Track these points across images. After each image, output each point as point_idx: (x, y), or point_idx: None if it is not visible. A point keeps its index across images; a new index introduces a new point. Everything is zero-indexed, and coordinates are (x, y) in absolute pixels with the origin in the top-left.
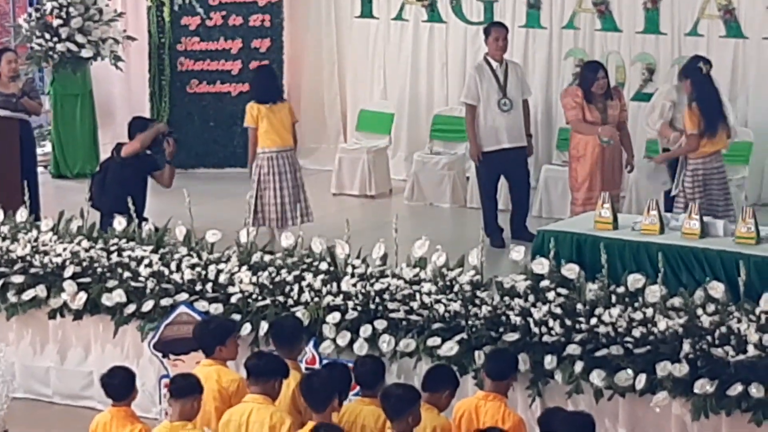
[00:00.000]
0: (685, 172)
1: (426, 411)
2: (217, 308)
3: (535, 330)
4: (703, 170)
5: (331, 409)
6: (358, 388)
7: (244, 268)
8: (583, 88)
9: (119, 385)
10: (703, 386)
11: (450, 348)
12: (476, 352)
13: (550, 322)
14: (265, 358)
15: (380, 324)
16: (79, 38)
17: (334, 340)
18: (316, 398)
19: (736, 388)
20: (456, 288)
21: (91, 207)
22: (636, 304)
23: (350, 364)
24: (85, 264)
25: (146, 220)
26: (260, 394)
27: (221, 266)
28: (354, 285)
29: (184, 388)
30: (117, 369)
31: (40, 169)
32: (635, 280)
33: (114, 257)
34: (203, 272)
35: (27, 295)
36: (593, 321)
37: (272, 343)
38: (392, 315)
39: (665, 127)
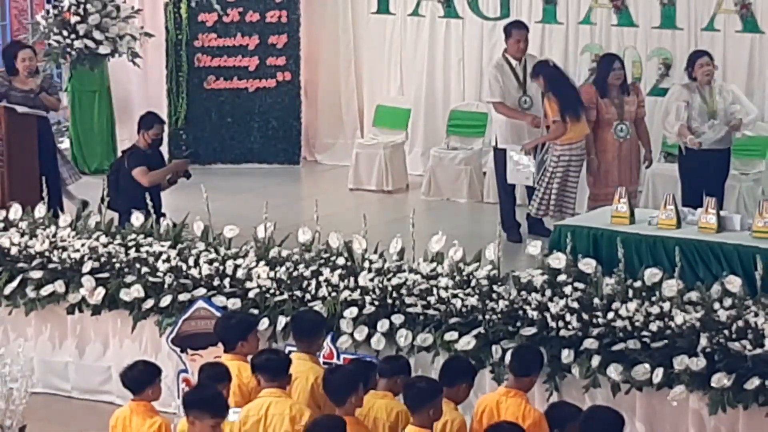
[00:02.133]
0: (550, 158)
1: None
2: (234, 303)
3: (552, 324)
4: (569, 156)
5: (352, 404)
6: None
7: (262, 263)
8: (598, 80)
9: (136, 377)
10: (720, 380)
11: (467, 342)
12: (493, 347)
13: (567, 317)
14: (274, 354)
15: (397, 319)
16: (97, 35)
17: (351, 334)
18: (335, 392)
19: (753, 382)
20: (473, 283)
21: (107, 209)
22: (653, 299)
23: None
24: (103, 259)
25: (164, 215)
26: (276, 388)
27: (239, 261)
28: (371, 280)
29: (214, 377)
30: (138, 362)
31: None
32: (652, 274)
33: (132, 252)
34: (221, 267)
35: (45, 291)
36: (610, 315)
37: (292, 337)
38: (409, 310)
39: (683, 128)
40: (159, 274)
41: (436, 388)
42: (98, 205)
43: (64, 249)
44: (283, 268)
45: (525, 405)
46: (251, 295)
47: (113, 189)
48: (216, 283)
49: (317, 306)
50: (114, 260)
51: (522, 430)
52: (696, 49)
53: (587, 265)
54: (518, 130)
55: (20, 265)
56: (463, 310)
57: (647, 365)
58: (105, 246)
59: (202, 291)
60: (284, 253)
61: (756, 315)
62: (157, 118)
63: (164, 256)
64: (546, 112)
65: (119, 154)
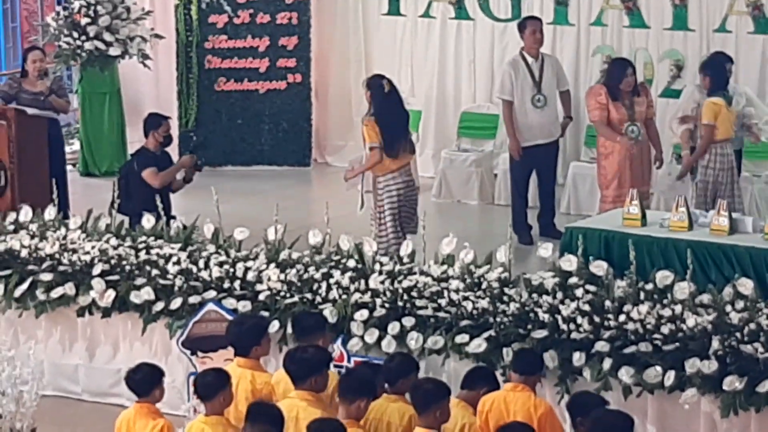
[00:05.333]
0: (379, 191)
1: (460, 408)
2: (245, 306)
3: (564, 327)
4: (395, 185)
5: (361, 409)
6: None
7: (272, 265)
8: (609, 84)
9: (141, 380)
10: (732, 383)
11: (478, 345)
12: (504, 349)
13: (579, 319)
14: (301, 353)
15: (408, 321)
16: (107, 36)
17: (362, 337)
18: (347, 395)
19: (765, 385)
20: (484, 285)
21: (117, 213)
22: (665, 301)
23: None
24: (113, 262)
25: (174, 218)
26: (305, 390)
27: (249, 264)
28: (382, 282)
29: (210, 387)
30: (142, 365)
31: (68, 168)
32: (664, 276)
33: (142, 255)
34: (231, 270)
35: (56, 293)
36: (622, 318)
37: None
38: (420, 312)
39: (685, 133)
40: (169, 276)
41: (443, 391)
42: (108, 207)
43: (74, 251)
44: (294, 271)
45: (534, 397)
46: (261, 297)
47: (123, 193)
48: (226, 285)
49: (327, 308)
50: (124, 262)
51: (532, 429)
52: (717, 51)
53: (598, 267)
54: (530, 130)
55: (30, 267)
56: (474, 312)
57: (659, 368)
58: (115, 248)
59: (212, 293)
60: (294, 256)
61: None
62: (162, 116)
63: (174, 259)
64: (363, 134)
65: (129, 156)
